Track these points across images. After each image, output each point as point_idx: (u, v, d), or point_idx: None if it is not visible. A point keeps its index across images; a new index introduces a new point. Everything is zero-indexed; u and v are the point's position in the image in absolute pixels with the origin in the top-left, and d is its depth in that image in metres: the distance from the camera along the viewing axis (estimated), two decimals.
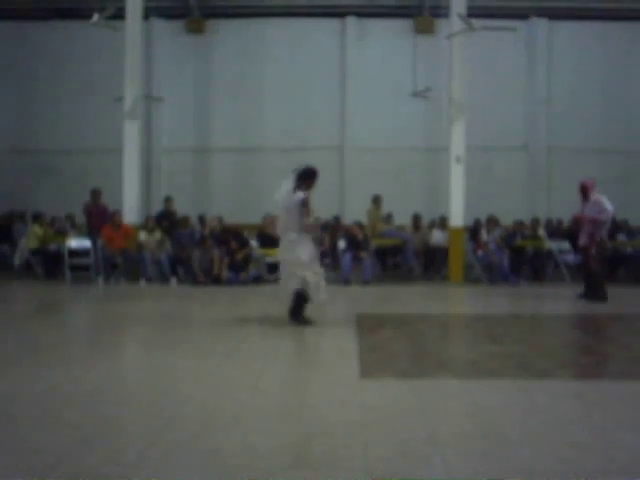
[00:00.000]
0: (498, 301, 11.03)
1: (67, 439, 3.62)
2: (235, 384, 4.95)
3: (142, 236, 13.24)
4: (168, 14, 17.76)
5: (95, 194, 13.98)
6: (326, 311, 8.07)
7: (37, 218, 14.35)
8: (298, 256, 7.54)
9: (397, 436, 3.72)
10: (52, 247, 13.61)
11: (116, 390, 4.80)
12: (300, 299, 7.60)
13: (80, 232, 14.16)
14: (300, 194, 7.55)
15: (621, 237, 14.56)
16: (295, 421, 4.09)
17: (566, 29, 17.69)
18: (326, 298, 7.66)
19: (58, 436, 3.67)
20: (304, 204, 7.51)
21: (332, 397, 4.59)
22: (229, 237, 12.83)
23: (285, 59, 17.70)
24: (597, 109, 17.56)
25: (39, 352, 6.15)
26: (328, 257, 13.22)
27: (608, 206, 10.01)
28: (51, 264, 13.53)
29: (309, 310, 7.69)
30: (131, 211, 13.63)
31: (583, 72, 17.57)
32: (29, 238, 13.80)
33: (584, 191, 10.21)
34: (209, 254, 12.47)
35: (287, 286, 7.63)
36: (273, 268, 12.75)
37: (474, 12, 13.96)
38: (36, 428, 3.81)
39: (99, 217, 13.50)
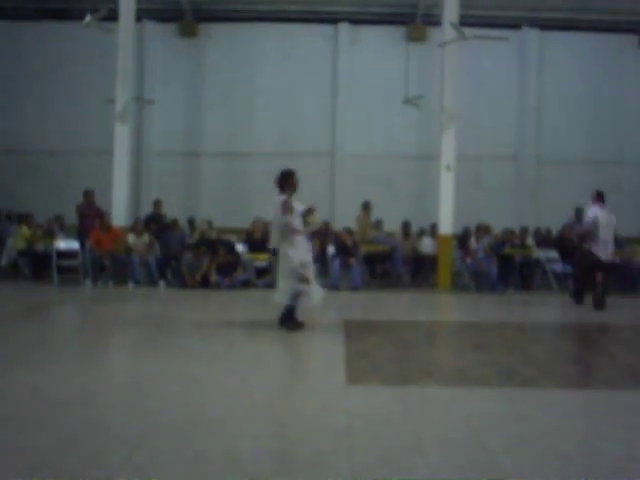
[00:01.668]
0: (485, 309, 11.06)
1: (50, 441, 3.59)
2: (221, 388, 4.93)
3: (130, 239, 13.20)
4: (161, 17, 17.75)
5: (88, 195, 13.93)
6: (314, 317, 8.06)
7: (24, 218, 14.20)
8: (284, 265, 7.56)
9: (382, 443, 3.72)
10: (40, 248, 13.51)
11: (101, 393, 4.77)
12: (290, 307, 7.59)
13: (69, 233, 14.08)
14: (281, 197, 7.57)
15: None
16: (280, 427, 4.09)
17: (557, 40, 17.80)
18: (317, 302, 7.62)
19: (41, 438, 3.64)
20: (283, 204, 7.49)
21: (318, 403, 4.58)
22: (217, 246, 12.76)
23: (277, 64, 17.71)
24: (587, 120, 17.68)
25: (24, 354, 6.10)
26: (317, 263, 13.21)
27: (587, 219, 10.52)
28: (38, 265, 13.45)
29: (299, 314, 7.68)
30: (120, 214, 13.59)
31: (574, 83, 17.69)
32: (16, 238, 13.70)
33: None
34: (200, 260, 12.43)
35: (280, 293, 7.61)
36: (262, 272, 12.80)
37: (466, 21, 14.04)
38: (19, 429, 3.78)
39: (93, 218, 13.39)
